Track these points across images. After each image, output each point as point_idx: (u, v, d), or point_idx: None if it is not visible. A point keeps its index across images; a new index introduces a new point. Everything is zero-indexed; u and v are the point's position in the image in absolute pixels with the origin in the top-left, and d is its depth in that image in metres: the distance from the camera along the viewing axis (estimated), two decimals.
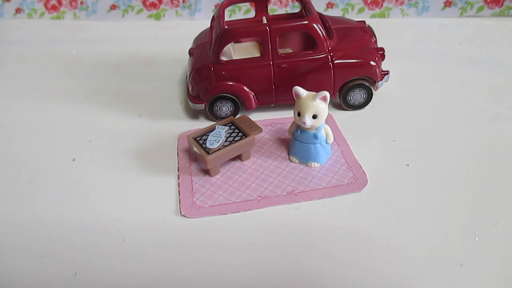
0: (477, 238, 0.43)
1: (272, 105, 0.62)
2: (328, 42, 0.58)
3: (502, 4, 0.86)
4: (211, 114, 0.61)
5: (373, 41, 0.63)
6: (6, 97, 0.71)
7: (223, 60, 0.59)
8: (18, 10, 0.99)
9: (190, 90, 0.62)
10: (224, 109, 0.61)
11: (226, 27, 0.58)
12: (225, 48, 0.60)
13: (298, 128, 0.51)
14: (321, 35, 0.57)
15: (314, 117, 0.49)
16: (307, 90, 0.50)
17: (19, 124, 0.64)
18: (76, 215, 0.48)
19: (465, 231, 0.43)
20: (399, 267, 0.41)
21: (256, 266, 0.42)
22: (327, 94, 0.48)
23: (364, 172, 0.51)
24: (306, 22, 0.57)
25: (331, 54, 0.58)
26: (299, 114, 0.49)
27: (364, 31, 0.64)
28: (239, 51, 0.64)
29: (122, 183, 0.52)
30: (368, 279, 0.40)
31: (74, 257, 0.43)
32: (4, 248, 0.45)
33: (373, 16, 0.92)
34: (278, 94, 0.60)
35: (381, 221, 0.45)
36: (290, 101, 0.57)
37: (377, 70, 0.59)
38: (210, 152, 0.50)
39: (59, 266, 0.43)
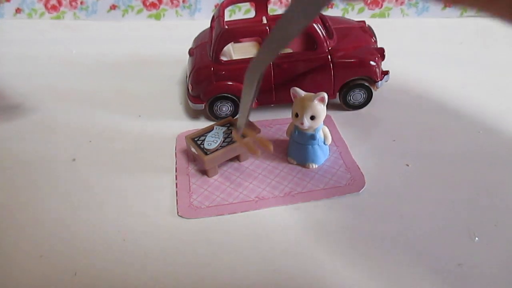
0: (477, 238, 0.43)
1: (272, 105, 0.62)
2: (328, 42, 0.58)
3: None
4: (211, 114, 0.61)
5: (373, 41, 0.63)
6: (6, 97, 0.71)
7: (223, 60, 0.59)
8: (18, 10, 0.99)
9: (190, 90, 0.62)
10: (224, 109, 0.61)
11: (226, 27, 0.58)
12: (225, 48, 0.59)
13: (296, 129, 0.51)
14: (321, 35, 0.57)
15: (312, 118, 0.49)
16: (307, 90, 0.50)
17: (19, 124, 0.64)
18: (76, 215, 0.48)
19: (465, 231, 0.43)
20: (399, 268, 0.41)
21: (253, 266, 0.42)
22: (325, 95, 0.48)
23: (362, 173, 0.50)
24: None
25: (331, 54, 0.58)
26: (297, 115, 0.49)
27: (364, 31, 0.64)
28: (239, 51, 0.64)
29: (121, 183, 0.52)
30: (367, 280, 0.40)
31: (74, 257, 0.43)
32: (4, 248, 0.45)
33: (373, 16, 0.92)
34: (278, 94, 0.60)
35: (380, 222, 0.45)
36: (290, 101, 0.57)
37: (377, 70, 0.59)
38: (208, 153, 0.50)
39: (59, 266, 0.43)
